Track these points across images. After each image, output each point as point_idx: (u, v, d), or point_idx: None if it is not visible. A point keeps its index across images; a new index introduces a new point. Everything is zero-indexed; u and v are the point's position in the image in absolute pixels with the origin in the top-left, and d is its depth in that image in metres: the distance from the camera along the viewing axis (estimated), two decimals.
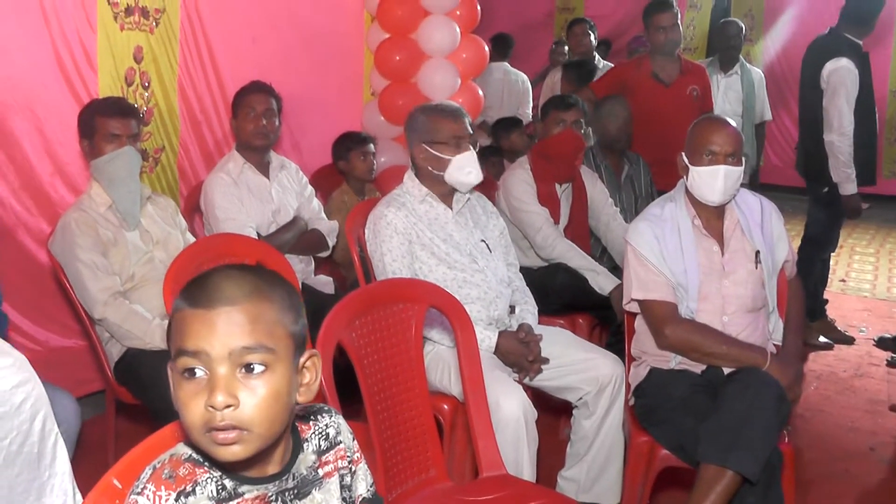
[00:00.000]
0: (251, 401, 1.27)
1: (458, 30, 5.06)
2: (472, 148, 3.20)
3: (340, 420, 1.55)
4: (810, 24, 9.27)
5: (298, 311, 1.38)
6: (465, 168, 3.17)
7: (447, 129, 3.18)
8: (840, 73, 4.99)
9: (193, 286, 1.32)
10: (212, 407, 1.25)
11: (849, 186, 5.08)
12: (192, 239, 3.50)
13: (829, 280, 5.87)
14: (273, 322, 1.31)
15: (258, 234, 3.77)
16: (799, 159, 5.62)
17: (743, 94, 6.24)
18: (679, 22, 5.13)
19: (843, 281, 7.20)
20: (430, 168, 3.20)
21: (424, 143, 3.20)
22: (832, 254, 5.74)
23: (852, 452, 4.01)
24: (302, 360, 1.38)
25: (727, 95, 6.21)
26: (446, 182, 3.20)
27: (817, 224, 5.48)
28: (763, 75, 6.76)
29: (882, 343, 5.49)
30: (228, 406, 1.25)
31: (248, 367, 1.28)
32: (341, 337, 2.32)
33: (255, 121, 3.82)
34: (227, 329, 1.27)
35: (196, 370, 1.27)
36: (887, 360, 5.24)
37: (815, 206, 5.49)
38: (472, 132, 3.24)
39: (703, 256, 2.97)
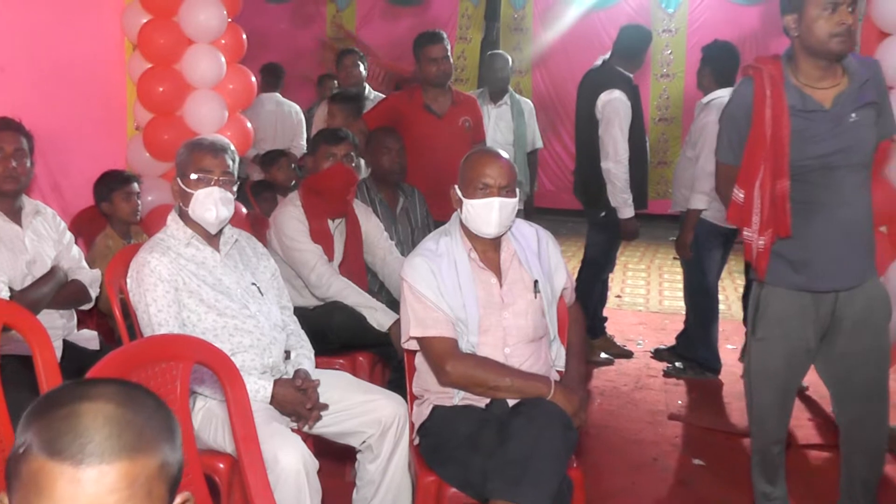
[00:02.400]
0: None
1: (223, 60, 4.87)
2: (221, 185, 3.01)
3: None
4: (578, 57, 9.66)
5: (177, 444, 1.13)
6: (205, 204, 2.98)
7: (197, 163, 3.01)
8: (614, 105, 5.20)
9: (54, 424, 1.04)
10: None
11: (626, 211, 5.29)
12: None
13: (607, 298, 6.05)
14: (153, 477, 1.07)
15: (10, 290, 3.43)
16: (577, 185, 5.78)
17: (514, 124, 6.35)
18: (450, 54, 5.15)
19: (619, 297, 7.48)
20: (181, 205, 3.05)
21: (178, 177, 3.05)
22: (610, 274, 5.95)
23: (638, 464, 4.14)
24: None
25: (498, 125, 6.30)
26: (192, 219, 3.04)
27: (596, 247, 5.67)
28: (533, 105, 6.91)
29: (659, 354, 5.72)
30: None
31: None
32: None
33: (2, 163, 3.47)
34: (97, 497, 1.02)
35: None
36: (664, 371, 5.46)
37: (594, 229, 5.68)
38: (230, 169, 3.06)
39: (482, 289, 2.94)
